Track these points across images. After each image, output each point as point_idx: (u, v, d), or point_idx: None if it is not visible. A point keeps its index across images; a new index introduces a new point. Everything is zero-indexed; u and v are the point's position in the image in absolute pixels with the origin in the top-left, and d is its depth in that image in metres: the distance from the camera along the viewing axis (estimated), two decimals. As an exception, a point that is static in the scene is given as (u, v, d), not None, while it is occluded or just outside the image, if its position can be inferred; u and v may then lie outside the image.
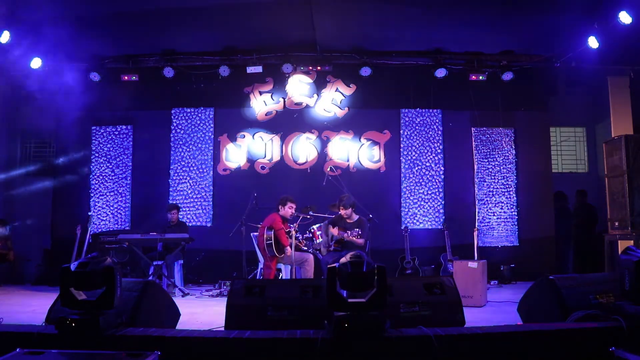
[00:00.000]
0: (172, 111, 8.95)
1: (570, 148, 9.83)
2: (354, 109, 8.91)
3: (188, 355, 2.84)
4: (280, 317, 3.53)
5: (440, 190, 8.81)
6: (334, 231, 6.60)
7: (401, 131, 8.89)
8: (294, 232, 6.31)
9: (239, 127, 8.89)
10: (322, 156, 8.81)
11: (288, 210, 6.55)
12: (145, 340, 2.84)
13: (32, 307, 5.76)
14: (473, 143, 8.92)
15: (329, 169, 8.44)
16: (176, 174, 8.83)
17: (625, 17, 6.52)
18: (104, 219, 8.80)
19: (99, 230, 8.58)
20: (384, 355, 2.77)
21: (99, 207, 8.82)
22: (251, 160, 8.83)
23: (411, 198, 8.77)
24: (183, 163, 8.84)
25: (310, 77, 8.89)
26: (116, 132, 8.96)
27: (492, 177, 8.85)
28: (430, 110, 8.93)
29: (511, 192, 8.81)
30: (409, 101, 8.90)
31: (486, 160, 8.88)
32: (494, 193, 8.82)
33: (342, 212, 6.62)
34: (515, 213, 8.78)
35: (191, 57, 8.62)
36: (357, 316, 2.81)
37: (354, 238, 6.34)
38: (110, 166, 8.89)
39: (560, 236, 8.75)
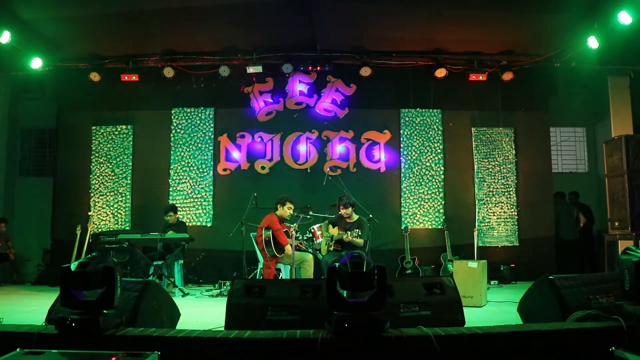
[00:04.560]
0: (172, 111, 8.95)
1: (570, 148, 9.84)
2: (354, 109, 8.90)
3: (188, 355, 2.84)
4: (280, 317, 3.53)
5: (440, 190, 8.81)
6: (334, 231, 6.60)
7: (401, 131, 8.89)
8: (293, 232, 6.31)
9: (239, 127, 8.89)
10: (322, 156, 8.81)
11: (287, 210, 6.55)
12: (145, 340, 2.84)
13: (32, 307, 5.75)
14: (473, 143, 8.92)
15: (329, 169, 8.45)
16: (176, 174, 8.83)
17: (625, 17, 6.52)
18: (104, 219, 8.80)
19: (99, 230, 8.57)
20: (384, 355, 2.77)
21: (99, 207, 8.82)
22: (251, 160, 8.82)
23: (411, 198, 8.77)
24: (183, 163, 8.84)
25: (310, 77, 8.89)
26: (116, 132, 8.96)
27: (492, 177, 8.84)
28: (430, 110, 8.93)
29: (511, 192, 8.81)
30: (409, 101, 8.89)
31: (486, 160, 8.88)
32: (494, 193, 8.82)
33: (342, 211, 6.63)
34: (515, 213, 8.78)
35: (191, 57, 8.62)
36: (357, 316, 2.81)
37: (354, 238, 6.34)
38: (110, 166, 8.89)
39: (560, 236, 8.77)
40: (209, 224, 8.68)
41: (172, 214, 7.60)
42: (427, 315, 3.63)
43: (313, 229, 7.10)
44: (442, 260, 8.03)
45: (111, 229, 8.62)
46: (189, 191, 8.77)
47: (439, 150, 8.87)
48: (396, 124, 8.91)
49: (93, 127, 8.96)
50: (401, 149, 8.85)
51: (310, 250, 6.89)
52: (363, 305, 2.83)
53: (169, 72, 8.43)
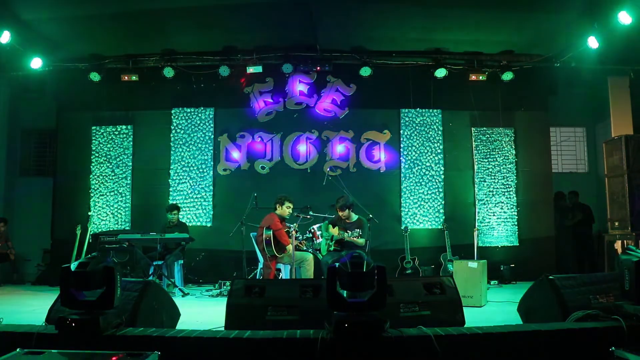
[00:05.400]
0: (172, 111, 8.94)
1: (570, 148, 9.84)
2: (354, 109, 8.90)
3: (188, 355, 2.84)
4: (280, 317, 3.53)
5: (440, 190, 8.81)
6: (334, 231, 6.60)
7: (401, 131, 8.89)
8: (294, 233, 6.31)
9: (239, 127, 8.89)
10: (322, 156, 8.81)
11: (286, 209, 6.55)
12: (145, 340, 2.83)
13: (32, 307, 5.75)
14: (473, 143, 8.91)
15: (329, 169, 8.45)
16: (176, 174, 8.82)
17: (625, 17, 6.52)
18: (104, 219, 8.80)
19: (99, 230, 8.57)
20: (384, 355, 2.77)
21: (99, 207, 8.81)
22: (251, 160, 8.83)
23: (411, 198, 8.76)
24: (183, 163, 8.84)
25: (310, 77, 8.89)
26: (116, 132, 8.95)
27: (492, 177, 8.84)
28: (430, 110, 8.93)
29: (511, 192, 8.81)
30: (409, 101, 8.89)
31: (486, 160, 8.88)
32: (494, 193, 8.81)
33: (339, 213, 6.62)
34: (515, 213, 8.78)
35: (191, 57, 8.62)
36: (357, 316, 2.81)
37: (354, 238, 6.33)
38: (110, 166, 8.89)
39: (560, 236, 8.76)
40: (209, 224, 8.68)
41: (176, 211, 7.64)
42: (427, 315, 3.63)
43: (313, 229, 7.11)
44: (442, 260, 8.03)
45: (111, 229, 8.62)
46: (189, 191, 8.76)
47: (439, 150, 8.87)
48: (396, 124, 8.91)
49: (93, 127, 8.96)
50: (401, 149, 8.84)
51: (310, 250, 6.89)
52: (363, 305, 2.83)
53: (169, 72, 8.43)
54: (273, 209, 6.62)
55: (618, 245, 7.41)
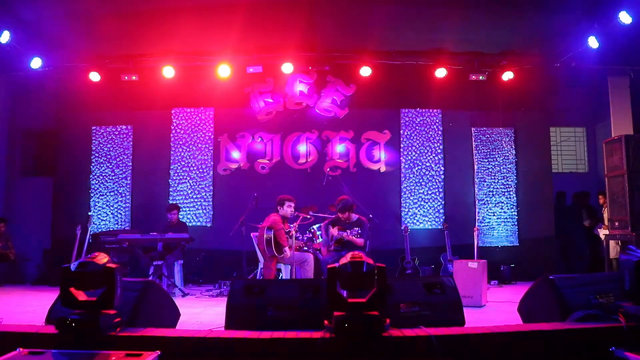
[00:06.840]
0: (172, 111, 8.95)
1: (570, 148, 9.83)
2: (354, 109, 8.90)
3: (188, 355, 2.84)
4: (280, 317, 3.53)
5: (440, 190, 8.81)
6: (334, 231, 6.60)
7: (401, 131, 8.89)
8: (294, 232, 6.30)
9: (239, 127, 8.89)
10: (322, 156, 8.81)
11: (287, 209, 6.54)
12: (145, 340, 2.84)
13: (32, 307, 5.75)
14: (473, 143, 8.91)
15: (329, 169, 8.45)
16: (176, 174, 8.83)
17: (625, 17, 6.53)
18: (104, 219, 8.80)
19: (99, 230, 8.57)
20: (384, 355, 2.77)
21: (99, 207, 8.82)
22: (251, 160, 8.82)
23: (411, 198, 8.76)
24: (183, 163, 8.84)
25: (310, 77, 8.89)
26: (116, 132, 8.96)
27: (492, 177, 8.84)
28: (430, 110, 8.93)
29: (511, 192, 8.81)
30: (409, 101, 8.90)
31: (486, 160, 8.88)
32: (494, 193, 8.82)
33: (340, 215, 6.62)
34: (515, 213, 8.78)
35: (191, 57, 8.62)
36: (357, 316, 2.81)
37: (354, 238, 6.33)
38: (110, 166, 8.89)
39: (575, 236, 8.71)
40: (209, 224, 8.68)
41: (175, 211, 7.64)
42: (427, 315, 3.63)
43: (313, 229, 7.11)
44: (442, 260, 8.03)
45: (111, 229, 8.62)
46: (189, 191, 8.77)
47: (439, 150, 8.87)
48: (396, 124, 8.91)
49: (93, 127, 8.97)
50: (401, 149, 8.84)
51: (310, 250, 6.89)
52: (363, 305, 2.83)
53: (169, 72, 8.43)
54: (275, 210, 6.62)
55: (617, 245, 7.40)
